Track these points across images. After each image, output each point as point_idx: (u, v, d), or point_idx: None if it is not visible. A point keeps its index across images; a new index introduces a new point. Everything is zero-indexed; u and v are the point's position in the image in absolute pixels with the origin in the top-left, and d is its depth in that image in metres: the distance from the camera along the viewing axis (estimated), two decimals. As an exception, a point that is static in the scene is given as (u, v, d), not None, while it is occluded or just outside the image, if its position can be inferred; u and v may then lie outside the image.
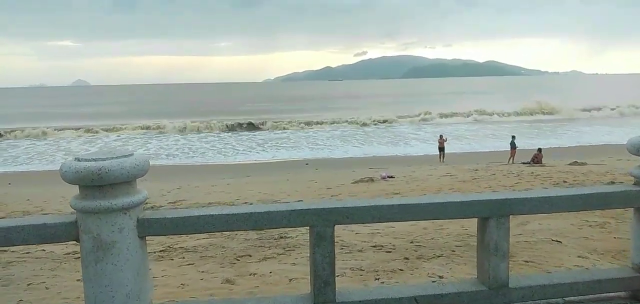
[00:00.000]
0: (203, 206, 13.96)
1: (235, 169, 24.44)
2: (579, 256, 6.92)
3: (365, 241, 8.24)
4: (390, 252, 7.40)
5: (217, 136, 41.17)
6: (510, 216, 2.58)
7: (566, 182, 12.97)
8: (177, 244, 9.40)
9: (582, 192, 2.68)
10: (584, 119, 50.08)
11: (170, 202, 15.25)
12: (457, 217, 2.63)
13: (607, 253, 7.20)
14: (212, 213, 2.42)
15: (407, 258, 7.02)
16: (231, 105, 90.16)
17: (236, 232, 10.12)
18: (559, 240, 7.75)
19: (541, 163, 21.08)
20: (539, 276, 2.86)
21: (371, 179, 16.49)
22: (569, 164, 19.59)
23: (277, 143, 36.29)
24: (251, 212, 2.44)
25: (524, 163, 21.65)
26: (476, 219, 2.66)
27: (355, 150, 31.62)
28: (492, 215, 2.53)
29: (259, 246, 8.20)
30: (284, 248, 7.93)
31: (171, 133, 42.79)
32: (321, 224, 2.48)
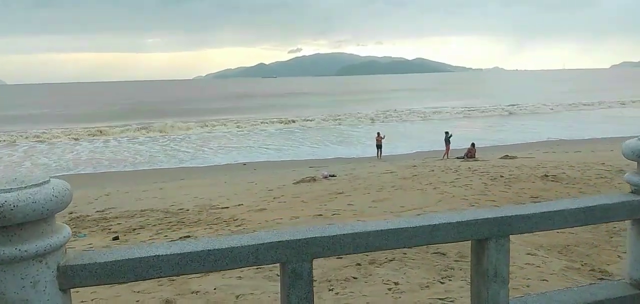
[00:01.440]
0: (134, 215, 13.03)
1: (168, 173, 23.28)
2: (528, 253, 6.94)
3: (313, 247, 7.88)
4: (341, 258, 7.06)
5: (150, 139, 39.23)
6: (511, 235, 2.27)
7: (503, 176, 13.27)
8: (107, 259, 8.63)
9: (583, 204, 2.43)
10: (508, 114, 52.65)
11: (98, 211, 14.14)
12: (452, 240, 2.28)
13: (553, 248, 7.29)
14: (158, 253, 1.91)
15: (359, 264, 6.73)
16: (161, 105, 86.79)
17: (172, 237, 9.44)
18: (506, 237, 7.78)
19: (475, 157, 21.71)
20: (537, 296, 2.60)
21: (313, 179, 16.17)
22: (501, 158, 20.29)
23: (212, 144, 35.13)
24: (210, 250, 1.95)
25: (458, 158, 22.21)
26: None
27: (293, 150, 31.17)
28: (490, 236, 2.22)
29: (200, 258, 7.61)
30: (228, 259, 7.40)
31: (98, 136, 40.25)
32: (297, 259, 2.04)
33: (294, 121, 46.99)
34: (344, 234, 2.08)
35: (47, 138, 39.40)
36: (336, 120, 47.80)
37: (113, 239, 10.44)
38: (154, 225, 11.81)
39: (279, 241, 2.01)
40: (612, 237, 7.56)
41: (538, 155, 21.09)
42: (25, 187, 1.64)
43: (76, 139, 38.68)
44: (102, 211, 14.19)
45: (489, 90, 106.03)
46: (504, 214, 2.25)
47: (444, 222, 2.18)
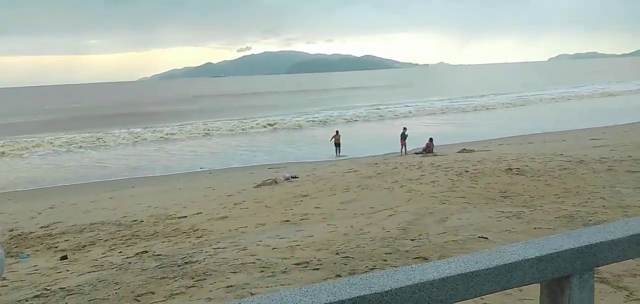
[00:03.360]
0: (84, 230, 11.99)
1: (116, 182, 21.96)
2: (512, 253, 6.71)
3: (285, 258, 7.36)
4: (318, 269, 6.60)
5: (93, 146, 37.16)
6: (595, 268, 1.82)
7: (467, 171, 13.19)
8: (55, 283, 7.74)
9: None
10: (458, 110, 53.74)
11: (42, 227, 12.99)
12: (532, 281, 1.79)
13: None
14: None
15: (339, 276, 6.28)
16: (105, 109, 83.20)
17: (129, 261, 8.66)
18: (485, 236, 7.53)
19: (433, 152, 21.77)
20: None
21: (275, 181, 15.59)
22: (459, 152, 20.42)
23: (163, 148, 33.70)
24: None
25: (417, 153, 22.22)
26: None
27: (249, 153, 30.15)
28: (573, 271, 1.76)
29: (161, 278, 6.93)
30: (193, 278, 6.76)
31: (41, 146, 37.49)
32: None
33: (246, 123, 45.85)
34: (400, 288, 1.54)
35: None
36: (289, 122, 47.01)
37: (61, 259, 9.52)
38: (106, 240, 10.93)
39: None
40: (590, 231, 7.46)
41: (494, 148, 21.38)
42: None
43: (18, 151, 35.90)
44: (47, 226, 13.05)
45: (438, 86, 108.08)
46: (587, 242, 1.79)
47: (520, 259, 1.70)
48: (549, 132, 28.14)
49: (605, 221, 7.91)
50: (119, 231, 11.71)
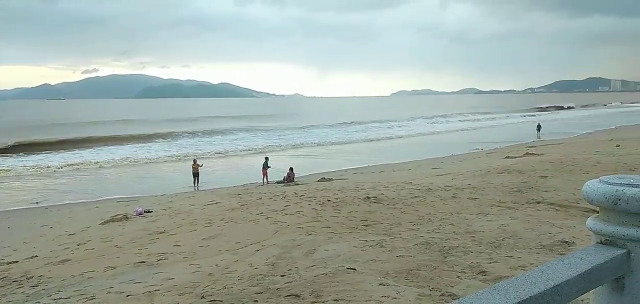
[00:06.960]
0: None
1: None
2: (380, 284, 6.80)
3: (143, 307, 6.57)
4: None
5: None
6: None
7: (330, 201, 13.41)
8: None
9: (580, 270, 1.92)
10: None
11: None
12: None
13: (399, 275, 7.31)
14: None
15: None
16: None
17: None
18: (353, 268, 7.58)
19: (294, 181, 21.99)
20: None
21: (125, 217, 14.19)
22: (319, 181, 20.90)
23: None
24: None
25: (278, 182, 22.25)
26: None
27: (89, 186, 27.10)
28: None
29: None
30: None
31: None
32: None
33: (92, 155, 41.65)
34: None
35: None
36: (140, 151, 43.89)
37: None
38: None
39: None
40: (446, 257, 7.94)
41: (350, 177, 22.31)
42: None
43: None
44: None
45: (294, 117, 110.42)
46: (517, 298, 1.65)
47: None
48: (395, 163, 30.18)
49: (457, 246, 8.53)
50: None
